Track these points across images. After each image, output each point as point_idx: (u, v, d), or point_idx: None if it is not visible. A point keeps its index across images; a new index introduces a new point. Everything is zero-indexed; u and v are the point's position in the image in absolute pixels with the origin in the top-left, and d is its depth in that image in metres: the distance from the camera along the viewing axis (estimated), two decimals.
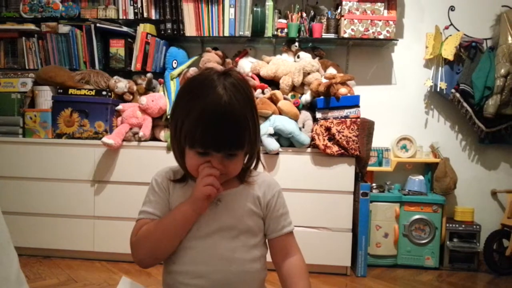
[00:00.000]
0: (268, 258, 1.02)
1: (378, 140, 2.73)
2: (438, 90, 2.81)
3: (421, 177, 2.79)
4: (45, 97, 2.61)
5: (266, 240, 1.02)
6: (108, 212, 2.50)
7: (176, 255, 0.95)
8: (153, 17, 2.83)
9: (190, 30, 2.79)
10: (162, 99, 2.58)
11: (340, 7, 2.73)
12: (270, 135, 2.39)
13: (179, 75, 2.72)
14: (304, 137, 2.42)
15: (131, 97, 2.67)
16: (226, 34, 2.78)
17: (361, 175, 2.51)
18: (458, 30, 2.81)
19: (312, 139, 2.44)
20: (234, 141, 0.87)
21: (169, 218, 0.93)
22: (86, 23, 2.81)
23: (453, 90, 2.76)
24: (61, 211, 2.51)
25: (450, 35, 2.80)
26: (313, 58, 2.71)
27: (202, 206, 0.91)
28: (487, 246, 2.63)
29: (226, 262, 0.93)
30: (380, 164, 2.81)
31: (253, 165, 0.99)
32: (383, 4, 2.69)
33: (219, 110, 0.84)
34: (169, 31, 2.80)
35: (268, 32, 2.78)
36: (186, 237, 0.94)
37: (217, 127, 0.85)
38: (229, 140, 0.86)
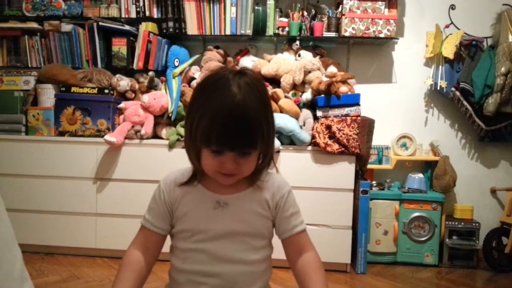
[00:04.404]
0: (277, 255, 1.03)
1: (378, 138, 2.74)
2: (438, 88, 2.82)
3: (420, 175, 2.81)
4: (48, 95, 2.63)
5: (280, 240, 1.02)
6: (110, 210, 2.52)
7: (185, 255, 0.97)
8: (155, 16, 2.84)
9: (191, 28, 2.81)
10: (164, 97, 2.59)
11: (341, 5, 2.74)
12: None
13: (181, 73, 2.73)
14: (305, 135, 2.44)
15: (133, 95, 2.68)
16: (228, 32, 2.79)
17: (361, 173, 2.53)
18: (459, 29, 2.82)
19: (313, 137, 2.45)
20: (247, 140, 0.87)
21: None
22: (88, 21, 2.83)
23: (453, 89, 2.77)
24: (63, 208, 2.54)
25: (451, 34, 2.82)
26: (314, 56, 2.72)
27: None
28: (486, 243, 2.64)
29: (234, 263, 0.95)
30: (380, 162, 2.83)
31: (266, 166, 0.99)
32: (383, 3, 2.70)
33: (232, 109, 0.85)
34: (171, 30, 2.82)
35: (269, 31, 2.79)
36: (194, 239, 0.96)
37: (230, 125, 0.85)
38: (243, 139, 0.87)
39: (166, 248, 1.02)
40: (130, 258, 0.99)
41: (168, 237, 1.02)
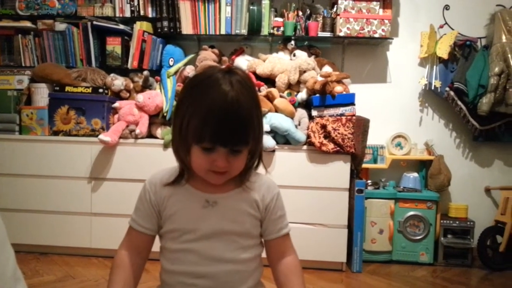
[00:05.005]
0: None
1: (373, 138, 2.75)
2: (433, 88, 2.84)
3: (415, 174, 2.82)
4: (42, 94, 2.61)
5: (262, 240, 1.03)
6: (105, 209, 2.50)
7: (174, 256, 0.96)
8: (150, 15, 2.84)
9: (186, 28, 2.80)
10: (158, 97, 2.59)
11: (335, 5, 2.75)
12: (266, 132, 2.40)
13: (175, 73, 2.73)
14: (300, 135, 2.44)
15: (128, 94, 2.67)
16: (223, 32, 2.79)
17: (356, 172, 2.53)
18: (453, 29, 2.84)
19: (308, 136, 2.46)
20: (240, 136, 0.87)
21: None
22: (82, 20, 2.82)
23: (447, 88, 2.79)
24: (58, 208, 2.52)
25: (445, 34, 2.83)
26: (309, 56, 2.72)
27: None
28: (481, 242, 2.66)
29: (224, 262, 0.94)
30: (375, 161, 2.84)
31: (255, 165, 0.99)
32: (378, 3, 2.71)
33: (226, 105, 0.84)
34: (165, 29, 2.81)
35: (264, 31, 2.79)
36: (183, 239, 0.95)
37: (224, 122, 0.85)
38: (236, 135, 0.86)
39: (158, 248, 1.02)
40: (121, 259, 0.98)
41: (157, 239, 1.02)
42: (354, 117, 2.46)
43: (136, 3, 2.82)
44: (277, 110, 2.50)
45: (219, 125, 0.85)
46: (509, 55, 2.62)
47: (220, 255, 0.94)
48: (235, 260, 0.95)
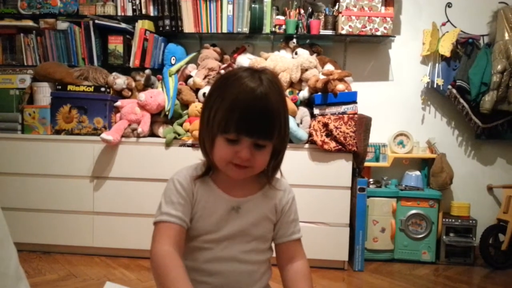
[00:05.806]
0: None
1: (375, 136, 2.74)
2: (435, 86, 2.83)
3: (417, 173, 2.81)
4: (44, 93, 2.62)
5: (273, 244, 1.03)
6: (107, 208, 2.51)
7: (190, 253, 0.96)
8: (152, 14, 2.84)
9: (188, 26, 2.80)
10: (160, 96, 2.59)
11: (337, 3, 2.74)
12: None
13: (177, 71, 2.73)
14: (302, 133, 2.44)
15: (130, 93, 2.67)
16: (224, 30, 2.79)
17: (358, 171, 2.53)
18: (455, 27, 2.83)
19: (310, 135, 2.45)
20: (266, 128, 0.88)
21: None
22: (84, 19, 2.82)
23: (449, 86, 2.78)
24: (60, 207, 2.53)
25: (447, 32, 2.82)
26: (311, 54, 2.72)
27: None
28: (483, 240, 2.66)
29: (237, 263, 0.95)
30: (377, 159, 2.83)
31: (278, 166, 0.99)
32: (380, 0, 2.70)
33: (254, 97, 0.86)
34: (167, 28, 2.81)
35: (266, 29, 2.79)
36: (202, 238, 0.95)
37: (251, 112, 0.86)
38: (261, 126, 0.87)
39: None
40: (172, 256, 0.87)
41: None
42: (356, 115, 2.46)
43: (138, 2, 2.82)
44: None
45: (245, 115, 0.86)
46: None
47: (235, 256, 0.95)
48: (249, 261, 0.96)
